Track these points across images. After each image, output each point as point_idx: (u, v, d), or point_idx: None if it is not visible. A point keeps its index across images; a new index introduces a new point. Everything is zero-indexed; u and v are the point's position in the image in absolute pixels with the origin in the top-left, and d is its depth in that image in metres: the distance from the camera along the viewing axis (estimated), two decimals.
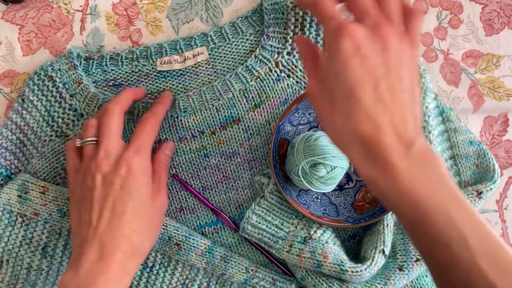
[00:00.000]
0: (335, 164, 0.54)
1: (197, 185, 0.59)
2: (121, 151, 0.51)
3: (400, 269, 0.55)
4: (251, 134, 0.59)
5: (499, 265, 0.38)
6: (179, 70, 0.60)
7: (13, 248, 0.56)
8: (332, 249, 0.54)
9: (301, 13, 0.58)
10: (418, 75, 0.44)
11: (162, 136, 0.58)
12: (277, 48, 0.59)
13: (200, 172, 0.59)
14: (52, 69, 0.58)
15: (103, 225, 0.48)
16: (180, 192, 0.59)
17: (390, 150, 0.39)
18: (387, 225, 0.55)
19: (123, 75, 0.60)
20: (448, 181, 0.40)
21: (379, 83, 0.39)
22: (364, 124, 0.39)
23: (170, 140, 0.59)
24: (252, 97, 0.59)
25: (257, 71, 0.59)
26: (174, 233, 0.56)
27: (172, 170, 0.59)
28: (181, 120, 0.58)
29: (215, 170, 0.59)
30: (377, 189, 0.41)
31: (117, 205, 0.48)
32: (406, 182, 0.39)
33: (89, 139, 0.52)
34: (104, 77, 0.59)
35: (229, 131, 0.59)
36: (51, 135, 0.58)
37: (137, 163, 0.50)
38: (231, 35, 0.60)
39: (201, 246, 0.56)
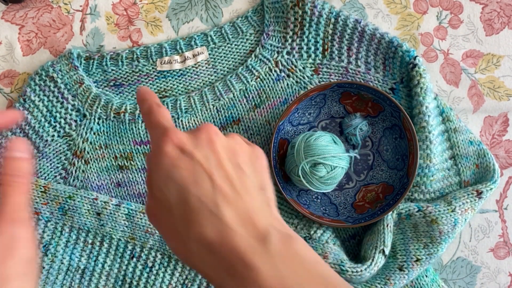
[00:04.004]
0: (335, 164, 0.54)
1: None
2: None
3: (400, 269, 0.55)
4: (251, 134, 0.59)
5: None
6: (179, 70, 0.60)
7: None
8: (332, 249, 0.54)
9: (300, 12, 0.58)
10: (260, 159, 0.39)
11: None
12: (277, 47, 0.59)
13: None
14: (53, 69, 0.58)
15: None
16: None
17: (245, 251, 0.33)
18: (387, 225, 0.55)
19: (123, 75, 0.60)
20: (315, 269, 0.35)
21: (213, 174, 0.36)
22: (208, 226, 0.34)
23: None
24: (252, 97, 0.59)
25: (257, 71, 0.59)
26: None
27: None
28: (181, 120, 0.58)
29: None
30: None
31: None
32: (273, 286, 0.33)
33: None
34: (104, 77, 0.59)
35: (229, 131, 0.59)
36: (53, 135, 0.58)
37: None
38: (231, 35, 0.60)
39: None
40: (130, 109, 0.58)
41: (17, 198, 0.39)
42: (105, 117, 0.58)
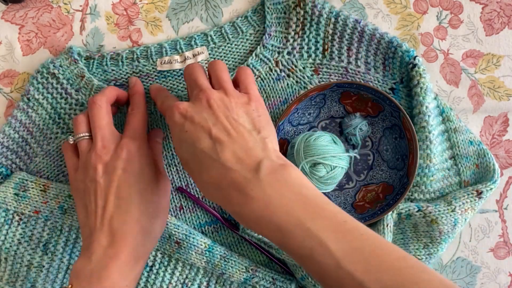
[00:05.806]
0: (335, 164, 0.54)
1: None
2: (117, 139, 0.51)
3: None
4: None
5: (362, 261, 0.38)
6: (180, 70, 0.60)
7: (11, 246, 0.56)
8: None
9: (302, 12, 0.58)
10: (261, 106, 0.48)
11: (164, 133, 0.58)
12: (278, 47, 0.59)
13: None
14: (53, 66, 0.58)
15: (110, 211, 0.47)
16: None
17: (240, 182, 0.41)
18: (387, 225, 0.55)
19: (124, 75, 0.60)
20: (301, 192, 0.41)
21: (211, 130, 0.44)
22: (212, 170, 0.43)
23: (170, 136, 0.59)
24: None
25: (258, 70, 0.59)
26: (175, 231, 0.56)
27: (173, 168, 0.59)
28: None
29: None
30: (245, 222, 0.42)
31: (122, 188, 0.48)
32: (261, 208, 0.40)
33: (82, 134, 0.52)
34: (105, 77, 0.59)
35: None
36: (57, 133, 0.58)
37: (136, 146, 0.50)
38: (231, 35, 0.60)
39: (201, 245, 0.56)
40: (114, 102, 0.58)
41: (136, 123, 0.52)
42: None
